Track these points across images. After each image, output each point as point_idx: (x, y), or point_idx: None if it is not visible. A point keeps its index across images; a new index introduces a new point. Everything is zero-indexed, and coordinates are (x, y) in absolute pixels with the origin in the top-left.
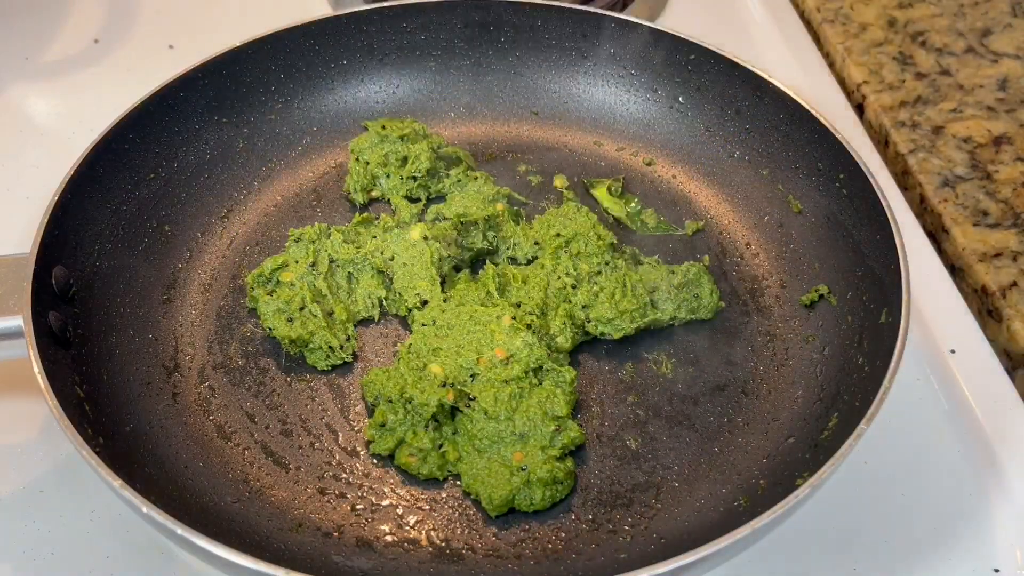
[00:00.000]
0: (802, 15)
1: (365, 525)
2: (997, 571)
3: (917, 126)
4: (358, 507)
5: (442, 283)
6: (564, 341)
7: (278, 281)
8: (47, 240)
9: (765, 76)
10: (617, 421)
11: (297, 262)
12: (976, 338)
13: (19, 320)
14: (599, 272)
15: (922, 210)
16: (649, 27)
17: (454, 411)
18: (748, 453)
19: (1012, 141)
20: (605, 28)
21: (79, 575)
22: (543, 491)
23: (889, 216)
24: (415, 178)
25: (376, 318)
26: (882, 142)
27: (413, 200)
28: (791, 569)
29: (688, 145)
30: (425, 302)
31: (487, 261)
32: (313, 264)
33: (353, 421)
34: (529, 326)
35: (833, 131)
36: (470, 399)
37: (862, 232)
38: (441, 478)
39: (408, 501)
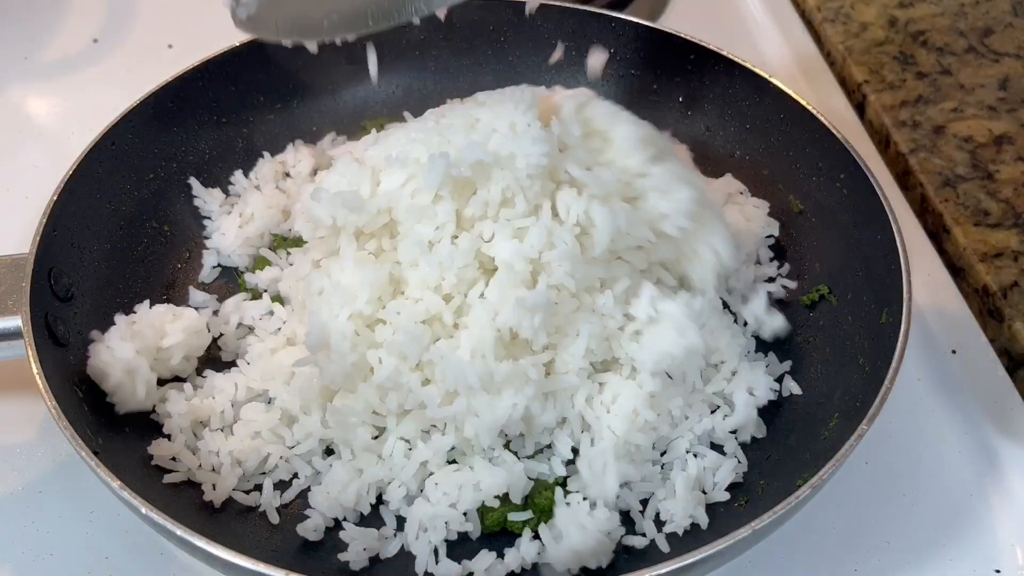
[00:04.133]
0: (803, 14)
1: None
2: (998, 572)
3: (918, 126)
4: None
5: None
6: None
7: None
8: (46, 240)
9: (765, 76)
10: None
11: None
12: (977, 338)
13: (18, 320)
14: None
15: (923, 210)
16: (649, 27)
17: None
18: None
19: (1013, 141)
20: (605, 28)
21: None
22: (539, 517)
23: (890, 216)
24: None
25: None
26: (883, 142)
27: None
28: (791, 570)
29: (688, 145)
30: None
31: None
32: None
33: None
34: None
35: (834, 131)
36: None
37: (863, 232)
38: None
39: None
